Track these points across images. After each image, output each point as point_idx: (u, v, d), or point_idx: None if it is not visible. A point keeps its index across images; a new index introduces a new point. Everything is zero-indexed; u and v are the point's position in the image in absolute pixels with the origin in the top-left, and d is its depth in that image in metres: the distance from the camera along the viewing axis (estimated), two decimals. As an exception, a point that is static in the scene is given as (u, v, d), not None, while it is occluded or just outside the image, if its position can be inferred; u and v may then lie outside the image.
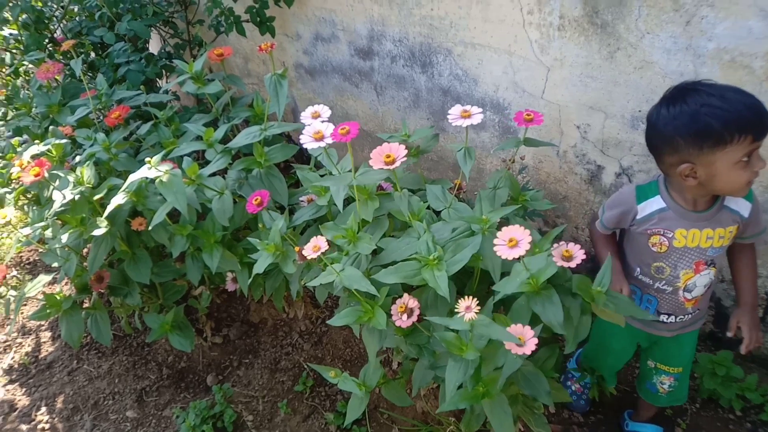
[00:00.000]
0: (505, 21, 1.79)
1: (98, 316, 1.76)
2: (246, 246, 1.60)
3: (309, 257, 1.14)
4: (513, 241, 1.00)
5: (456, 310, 1.04)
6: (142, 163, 1.49)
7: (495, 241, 1.02)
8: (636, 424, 1.60)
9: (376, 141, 1.50)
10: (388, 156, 1.10)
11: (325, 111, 1.19)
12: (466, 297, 1.04)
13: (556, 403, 1.72)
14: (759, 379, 1.63)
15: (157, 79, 2.49)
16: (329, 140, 1.10)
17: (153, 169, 1.41)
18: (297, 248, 1.24)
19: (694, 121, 1.06)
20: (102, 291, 1.75)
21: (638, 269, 1.31)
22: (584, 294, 1.11)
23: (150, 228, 1.51)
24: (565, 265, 1.10)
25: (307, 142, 1.12)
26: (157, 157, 1.43)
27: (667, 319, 1.33)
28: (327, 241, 1.18)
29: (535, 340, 1.05)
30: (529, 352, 1.04)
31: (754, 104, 1.05)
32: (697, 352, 1.75)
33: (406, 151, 1.10)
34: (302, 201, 1.50)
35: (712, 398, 1.67)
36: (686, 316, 1.32)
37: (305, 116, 1.19)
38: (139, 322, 2.02)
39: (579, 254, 1.11)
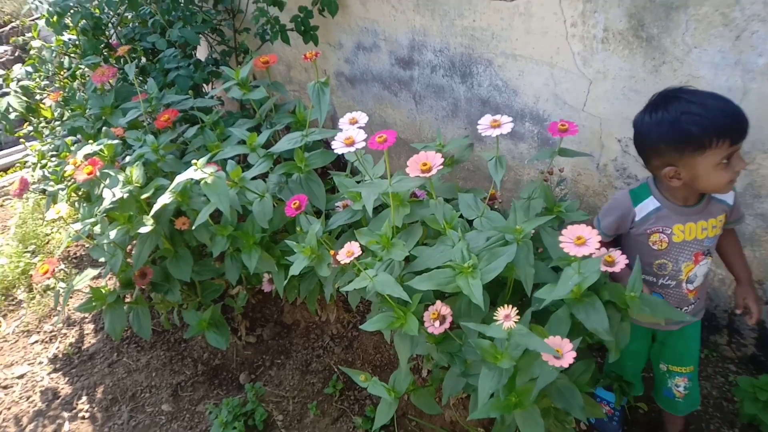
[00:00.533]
0: (547, 33, 1.79)
1: (140, 311, 1.82)
2: (283, 248, 1.64)
3: (343, 262, 1.16)
4: (581, 239, 1.00)
5: (494, 318, 1.04)
6: (188, 164, 1.55)
7: (560, 239, 1.02)
8: None
9: (413, 150, 1.53)
10: (425, 164, 1.12)
11: (363, 117, 1.23)
12: (505, 305, 1.05)
13: (588, 421, 1.69)
14: (804, 407, 1.56)
15: (204, 85, 2.58)
16: (360, 145, 1.13)
17: (199, 171, 1.46)
18: (332, 252, 1.26)
19: (674, 128, 1.13)
20: (144, 287, 1.82)
21: None
22: (619, 301, 1.10)
23: (193, 228, 1.57)
24: (609, 269, 1.10)
25: (339, 147, 1.15)
26: (203, 160, 1.49)
27: None
28: (360, 246, 1.21)
29: (574, 353, 1.04)
30: (566, 365, 1.03)
31: (732, 110, 1.12)
32: (738, 376, 1.70)
33: (443, 159, 1.11)
34: (338, 206, 1.53)
35: (753, 423, 1.61)
36: (689, 307, 1.37)
37: (343, 122, 1.23)
38: (177, 319, 2.09)
39: (621, 259, 1.11)
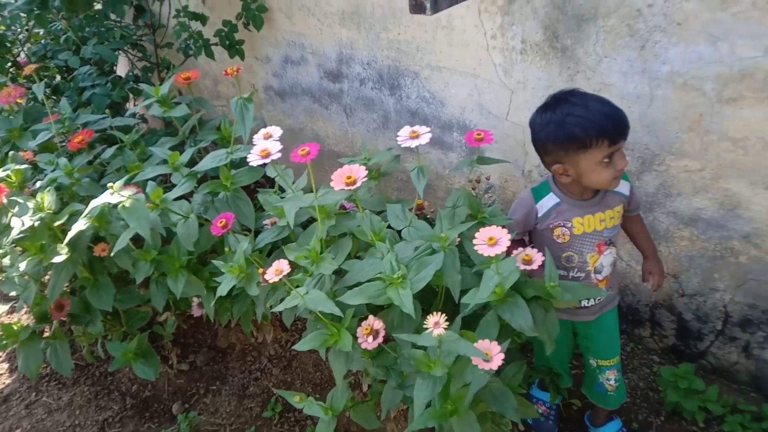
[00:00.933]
0: (469, 45, 1.84)
1: (58, 346, 1.70)
2: (212, 270, 1.58)
3: (271, 281, 1.13)
4: (493, 240, 1.04)
5: (424, 326, 1.04)
6: (105, 187, 1.47)
7: (474, 242, 1.05)
8: (597, 429, 1.66)
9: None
10: (349, 177, 1.11)
11: (277, 132, 1.22)
12: (434, 313, 1.05)
13: (525, 422, 1.73)
14: (720, 391, 1.66)
15: (126, 103, 2.47)
16: (275, 156, 1.13)
17: (116, 194, 1.39)
18: (260, 270, 1.23)
19: (560, 129, 1.22)
20: (63, 319, 1.70)
21: None
22: (542, 293, 1.14)
23: (113, 254, 1.48)
24: (527, 268, 1.14)
25: (254, 160, 1.14)
26: (119, 182, 1.41)
27: (587, 303, 1.44)
28: (290, 263, 1.18)
29: (502, 356, 1.06)
30: (496, 368, 1.05)
31: (612, 113, 1.21)
32: (661, 366, 1.78)
33: (367, 172, 1.11)
34: (266, 224, 1.49)
35: (676, 411, 1.69)
36: (602, 297, 1.43)
37: (257, 138, 1.21)
38: (101, 351, 1.96)
39: (538, 257, 1.15)
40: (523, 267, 1.13)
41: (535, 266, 1.14)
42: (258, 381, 2.00)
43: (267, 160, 1.18)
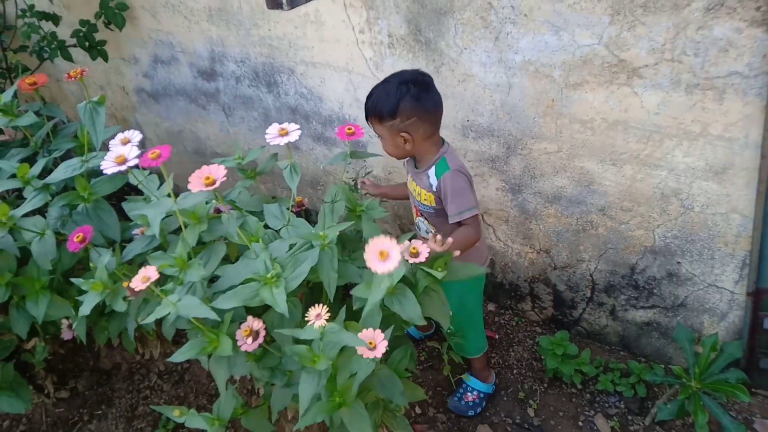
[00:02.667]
0: (340, 40, 1.85)
1: None
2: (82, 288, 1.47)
3: (138, 289, 1.08)
4: (384, 254, 0.98)
5: (306, 319, 1.04)
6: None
7: (366, 256, 1.00)
8: (468, 377, 1.80)
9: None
10: (208, 178, 1.08)
11: (136, 136, 1.15)
12: (315, 305, 1.05)
13: (423, 402, 1.78)
14: (592, 353, 1.81)
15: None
16: (132, 163, 1.06)
17: (-49, 215, 1.25)
18: (125, 283, 1.16)
19: None
20: None
21: None
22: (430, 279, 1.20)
23: (-44, 281, 1.34)
24: (414, 261, 1.12)
25: (109, 167, 1.07)
26: (-46, 202, 1.27)
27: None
28: (160, 272, 1.13)
29: (385, 343, 1.08)
30: (380, 355, 1.07)
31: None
32: (541, 336, 1.90)
33: (226, 171, 1.08)
34: (136, 234, 1.41)
35: (557, 376, 1.82)
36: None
37: (114, 143, 1.14)
38: (-38, 389, 1.76)
39: (423, 249, 1.14)
40: (411, 260, 1.11)
41: (421, 259, 1.12)
42: (148, 400, 1.90)
43: (123, 167, 1.12)
